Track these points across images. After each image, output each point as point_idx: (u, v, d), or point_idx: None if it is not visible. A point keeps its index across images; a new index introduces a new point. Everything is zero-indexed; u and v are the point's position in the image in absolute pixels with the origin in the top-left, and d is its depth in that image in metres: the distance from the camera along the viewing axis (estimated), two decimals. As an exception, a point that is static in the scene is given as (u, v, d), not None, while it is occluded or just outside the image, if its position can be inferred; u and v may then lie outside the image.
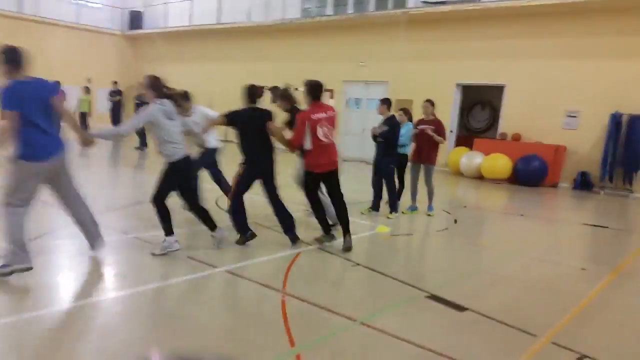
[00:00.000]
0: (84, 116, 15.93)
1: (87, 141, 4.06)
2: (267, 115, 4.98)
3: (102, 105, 18.23)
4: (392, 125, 6.86)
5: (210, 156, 6.34)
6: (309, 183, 5.27)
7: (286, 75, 16.51)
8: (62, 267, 4.25)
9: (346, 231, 5.26)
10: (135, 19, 22.56)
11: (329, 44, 16.29)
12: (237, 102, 5.95)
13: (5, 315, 3.24)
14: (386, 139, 6.87)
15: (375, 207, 7.21)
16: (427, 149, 7.19)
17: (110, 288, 3.92)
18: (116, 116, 16.49)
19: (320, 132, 4.97)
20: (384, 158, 6.95)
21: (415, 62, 14.47)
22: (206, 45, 19.97)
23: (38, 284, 3.80)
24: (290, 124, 5.63)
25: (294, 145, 5.08)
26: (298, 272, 4.50)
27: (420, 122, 7.32)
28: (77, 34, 21.07)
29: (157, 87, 4.48)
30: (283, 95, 5.88)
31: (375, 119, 7.19)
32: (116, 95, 16.63)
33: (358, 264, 4.83)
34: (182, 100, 5.65)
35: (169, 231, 4.59)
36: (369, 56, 15.36)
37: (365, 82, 15.67)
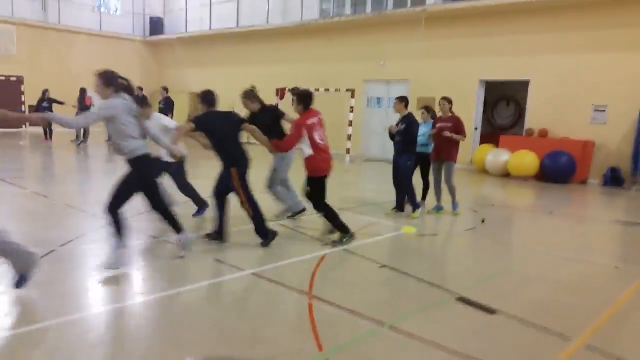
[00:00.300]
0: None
1: (38, 121, 3.85)
2: (238, 116, 5.09)
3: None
4: (409, 123, 6.78)
5: (179, 165, 6.00)
6: (320, 188, 5.29)
7: (306, 76, 16.55)
8: (91, 272, 4.31)
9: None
10: (156, 25, 22.89)
11: (348, 43, 16.23)
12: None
13: (37, 321, 3.30)
14: (403, 137, 6.80)
15: (399, 207, 7.15)
16: (446, 147, 7.07)
17: (139, 292, 3.96)
18: (140, 121, 16.70)
19: (316, 136, 5.18)
20: (402, 156, 6.89)
21: (435, 59, 14.31)
22: (225, 49, 20.13)
23: (67, 289, 3.86)
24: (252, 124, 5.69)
25: (284, 149, 5.32)
26: (324, 274, 4.47)
27: (438, 120, 7.22)
28: (99, 41, 21.47)
29: (111, 81, 4.09)
30: (250, 95, 5.95)
31: (396, 118, 7.12)
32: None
33: (384, 266, 4.78)
34: (141, 104, 5.39)
35: (121, 241, 4.27)
36: (389, 55, 15.25)
37: (386, 81, 15.57)
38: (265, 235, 5.11)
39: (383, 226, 6.36)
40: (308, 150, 5.15)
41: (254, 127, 5.20)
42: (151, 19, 22.92)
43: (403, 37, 14.90)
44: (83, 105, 15.36)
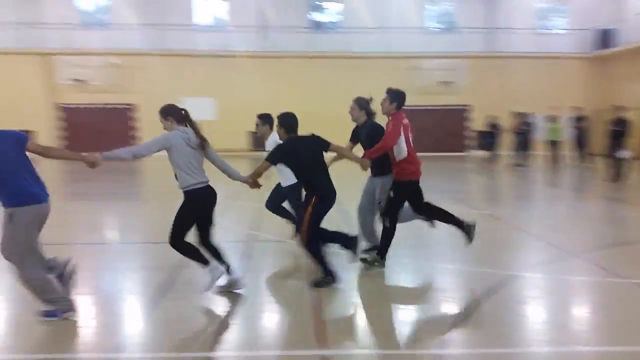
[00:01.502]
0: (554, 144, 15.64)
1: (91, 163, 3.81)
2: (322, 141, 4.51)
3: (567, 133, 17.40)
4: None
5: (297, 193, 5.34)
6: (418, 194, 4.88)
7: None
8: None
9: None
10: (605, 38, 20.89)
11: None
12: None
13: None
14: None
15: None
16: None
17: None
18: (581, 143, 15.45)
19: (410, 138, 4.86)
20: None
21: None
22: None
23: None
24: (359, 137, 5.25)
25: (386, 148, 4.72)
26: None
27: None
28: (539, 63, 21.38)
29: (172, 112, 4.17)
30: (363, 103, 5.18)
31: None
32: (580, 122, 15.61)
33: None
34: (262, 123, 5.50)
35: (204, 262, 4.19)
36: None
37: None
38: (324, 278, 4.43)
39: None
40: (403, 152, 4.74)
41: (340, 146, 4.69)
42: (599, 32, 21.09)
43: None
44: (518, 129, 15.35)
